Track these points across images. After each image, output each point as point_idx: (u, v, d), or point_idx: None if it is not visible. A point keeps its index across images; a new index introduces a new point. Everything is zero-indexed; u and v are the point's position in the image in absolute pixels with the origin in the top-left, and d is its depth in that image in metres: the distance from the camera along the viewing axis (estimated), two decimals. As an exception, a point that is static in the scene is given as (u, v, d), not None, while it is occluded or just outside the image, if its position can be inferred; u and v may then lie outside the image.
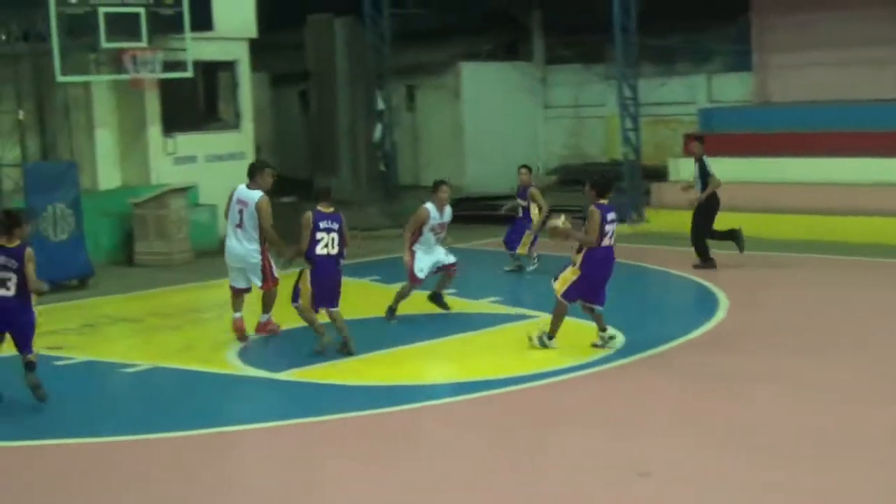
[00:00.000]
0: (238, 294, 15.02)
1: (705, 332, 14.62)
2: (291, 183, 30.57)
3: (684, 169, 24.20)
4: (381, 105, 28.17)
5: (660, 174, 25.68)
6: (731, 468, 9.46)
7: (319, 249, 13.78)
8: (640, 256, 19.95)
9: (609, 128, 28.96)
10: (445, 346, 14.55)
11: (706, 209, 19.19)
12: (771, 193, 22.93)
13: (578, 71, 29.54)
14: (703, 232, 19.30)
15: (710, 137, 24.66)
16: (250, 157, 24.55)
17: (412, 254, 15.83)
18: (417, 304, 16.19)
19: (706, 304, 16.41)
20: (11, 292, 11.98)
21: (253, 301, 15.12)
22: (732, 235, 19.24)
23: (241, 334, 14.89)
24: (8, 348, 13.37)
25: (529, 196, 19.62)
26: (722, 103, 27.48)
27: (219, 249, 17.38)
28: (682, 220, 20.64)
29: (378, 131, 28.23)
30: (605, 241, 13.50)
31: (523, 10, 29.13)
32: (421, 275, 15.87)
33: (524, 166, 20.11)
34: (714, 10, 26.13)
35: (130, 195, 22.40)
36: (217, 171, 23.01)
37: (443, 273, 16.18)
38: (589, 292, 13.62)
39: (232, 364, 13.80)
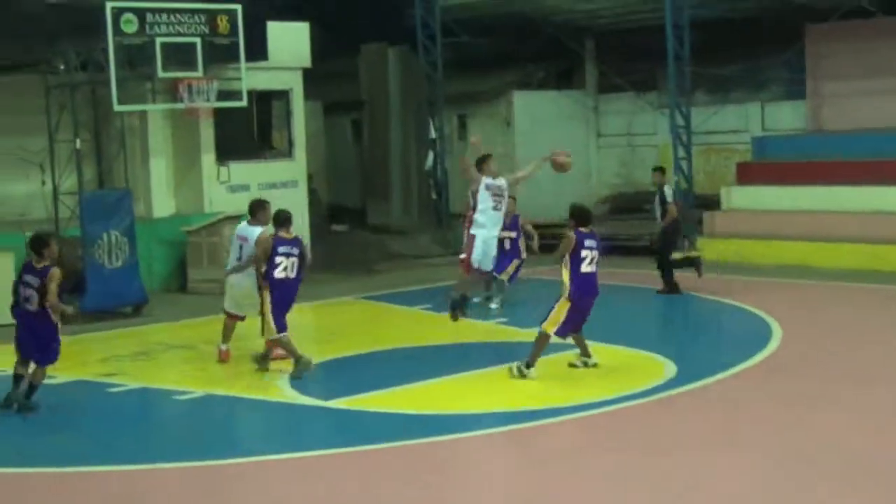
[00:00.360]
0: (233, 320, 15.41)
1: (759, 362, 14.52)
2: (343, 211, 30.78)
3: (737, 197, 24.17)
4: (433, 133, 28.25)
5: (712, 203, 25.57)
6: (798, 498, 9.37)
7: (278, 273, 14.30)
8: (691, 286, 19.85)
9: (661, 156, 28.86)
10: (495, 375, 14.52)
11: (665, 237, 19.44)
12: (824, 222, 22.77)
13: (631, 99, 29.52)
14: (666, 259, 19.48)
15: (764, 166, 24.65)
16: (303, 186, 24.74)
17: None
18: (469, 332, 16.19)
19: (759, 333, 16.30)
20: (34, 308, 12.92)
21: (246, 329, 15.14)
22: (691, 262, 19.54)
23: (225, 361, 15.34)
24: (69, 373, 13.64)
25: (520, 227, 19.42)
26: (775, 131, 27.36)
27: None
28: (734, 249, 20.63)
29: (430, 159, 28.32)
30: (585, 267, 13.89)
31: (576, 38, 29.15)
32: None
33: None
34: (768, 38, 26.10)
35: (184, 223, 22.57)
36: (270, 198, 22.90)
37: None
38: (573, 324, 14.01)
39: (283, 392, 13.84)
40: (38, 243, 13.21)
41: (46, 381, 13.52)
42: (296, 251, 14.41)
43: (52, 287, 12.79)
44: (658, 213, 19.97)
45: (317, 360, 15.66)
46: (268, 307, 14.38)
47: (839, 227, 22.55)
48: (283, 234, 14.50)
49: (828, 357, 14.81)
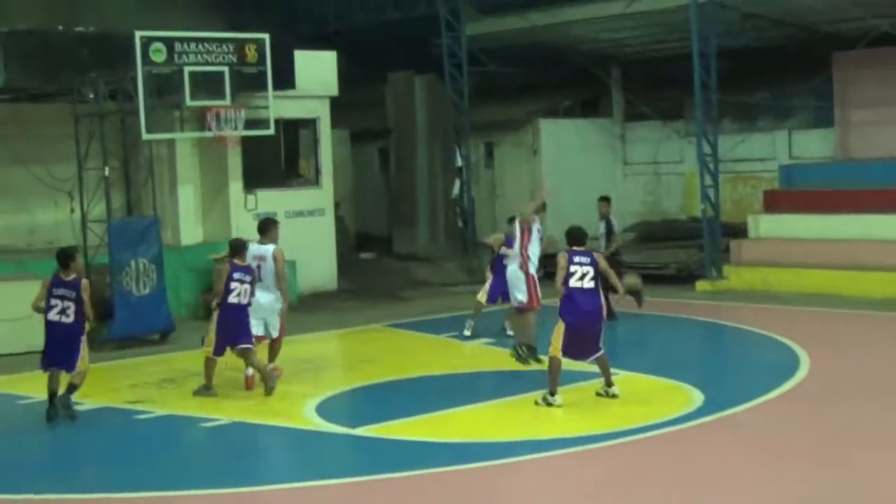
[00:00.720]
0: (256, 342, 15.52)
1: (787, 391, 14.44)
2: (370, 239, 30.84)
3: (764, 226, 24.11)
4: (459, 161, 28.32)
5: (739, 231, 25.52)
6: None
7: (231, 298, 14.89)
8: (718, 314, 19.80)
9: (688, 184, 28.87)
10: (522, 403, 14.49)
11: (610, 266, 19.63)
12: (852, 250, 22.67)
13: (657, 128, 29.52)
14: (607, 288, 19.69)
15: (791, 194, 24.58)
16: (330, 214, 24.82)
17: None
18: (496, 360, 16.17)
19: (787, 362, 16.21)
20: (71, 319, 13.87)
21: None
22: (632, 293, 19.53)
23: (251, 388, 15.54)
24: (96, 399, 13.73)
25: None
26: (802, 159, 27.30)
27: (298, 305, 17.58)
28: (761, 277, 20.57)
29: (456, 187, 28.36)
30: (574, 282, 13.83)
31: (602, 67, 29.19)
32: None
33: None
34: (795, 66, 26.08)
35: (211, 250, 22.64)
36: (297, 226, 23.23)
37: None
38: (576, 346, 13.86)
39: (310, 419, 13.86)
40: (64, 257, 14.16)
41: (77, 408, 14.07)
42: (248, 278, 14.97)
43: (87, 297, 13.84)
44: (603, 243, 20.11)
45: (344, 388, 15.76)
46: (214, 327, 15.01)
47: (867, 255, 22.46)
48: (237, 261, 15.12)
49: (856, 387, 14.71)
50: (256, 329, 15.45)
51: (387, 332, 20.61)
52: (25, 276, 19.23)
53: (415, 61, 30.12)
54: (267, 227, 15.81)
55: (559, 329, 13.83)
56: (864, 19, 23.38)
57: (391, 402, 14.82)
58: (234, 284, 14.88)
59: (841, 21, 24.62)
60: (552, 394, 13.83)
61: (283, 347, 16.15)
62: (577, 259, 14.00)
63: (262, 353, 15.49)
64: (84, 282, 14.05)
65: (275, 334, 15.68)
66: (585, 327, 13.86)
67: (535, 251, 16.63)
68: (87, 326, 14.12)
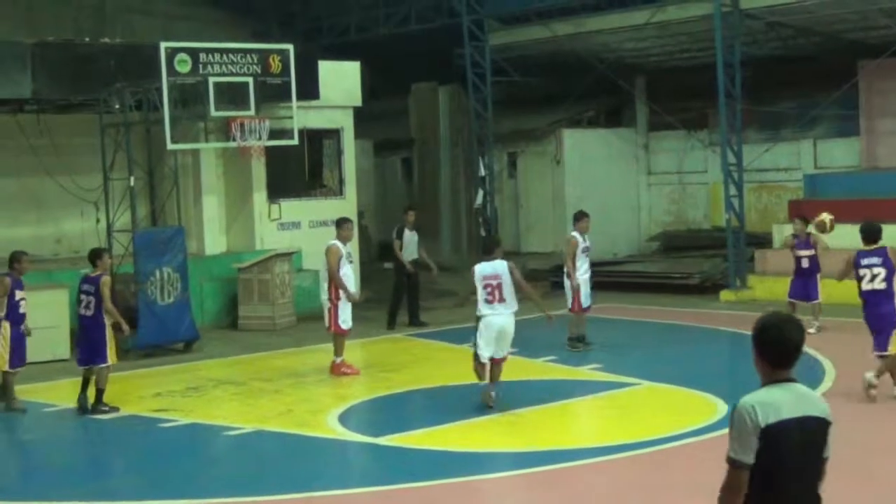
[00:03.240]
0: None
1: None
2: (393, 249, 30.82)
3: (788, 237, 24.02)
4: (482, 171, 28.32)
5: (764, 241, 25.46)
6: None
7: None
8: (742, 324, 19.72)
9: (712, 194, 28.82)
10: (546, 413, 14.49)
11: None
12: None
13: (681, 137, 29.47)
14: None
15: (817, 203, 24.45)
16: (353, 223, 24.84)
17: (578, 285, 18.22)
18: (520, 370, 16.17)
19: (811, 371, 16.14)
20: (91, 312, 14.74)
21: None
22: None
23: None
24: (125, 407, 13.88)
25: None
26: (828, 169, 27.21)
27: (321, 314, 17.63)
28: (786, 287, 20.41)
29: (479, 197, 28.38)
30: (865, 285, 14.19)
31: (626, 76, 29.18)
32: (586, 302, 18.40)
33: None
34: (820, 75, 25.99)
35: (235, 260, 22.74)
36: (321, 236, 23.21)
37: None
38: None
39: (332, 428, 13.88)
40: (93, 255, 15.19)
41: (102, 416, 14.38)
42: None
43: (105, 292, 14.57)
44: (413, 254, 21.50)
45: (366, 397, 15.76)
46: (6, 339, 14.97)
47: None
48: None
49: (881, 399, 14.61)
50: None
51: (409, 341, 20.63)
52: (52, 285, 19.37)
53: (438, 72, 30.18)
54: (339, 225, 17.03)
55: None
56: (891, 28, 23.31)
57: (413, 411, 14.87)
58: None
59: (867, 29, 24.56)
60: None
61: (309, 357, 16.32)
62: (864, 262, 13.91)
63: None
64: (105, 278, 14.75)
65: (325, 324, 16.96)
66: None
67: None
68: (107, 321, 14.74)
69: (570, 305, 18.40)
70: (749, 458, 5.60)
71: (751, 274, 24.57)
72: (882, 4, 22.60)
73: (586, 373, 16.68)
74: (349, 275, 16.89)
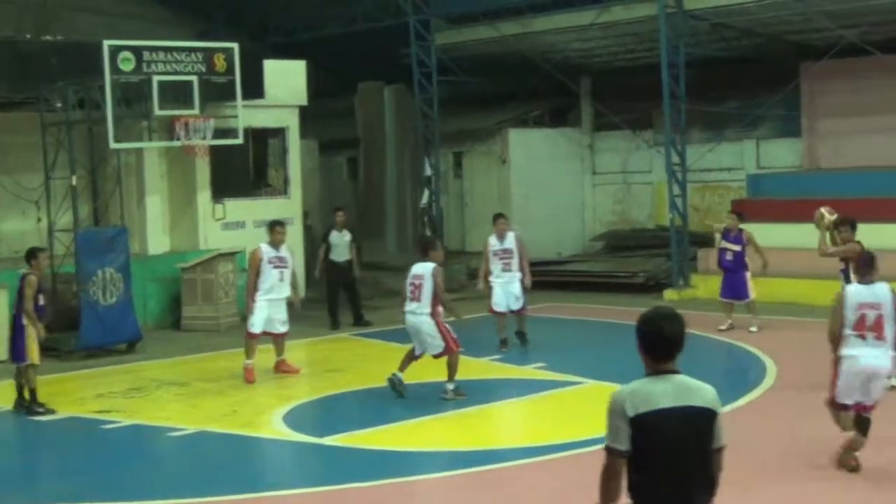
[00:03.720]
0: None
1: (755, 399, 14.50)
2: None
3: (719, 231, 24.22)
4: (428, 171, 28.31)
5: (707, 240, 25.61)
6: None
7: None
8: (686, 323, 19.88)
9: (657, 194, 28.98)
10: (491, 412, 14.52)
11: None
12: (820, 260, 22.70)
13: (626, 137, 29.61)
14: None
15: (759, 203, 24.70)
16: (298, 223, 24.75)
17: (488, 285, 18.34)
18: (465, 369, 16.18)
19: (754, 370, 16.30)
20: (15, 311, 14.89)
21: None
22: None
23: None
24: (63, 409, 13.73)
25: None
26: (770, 169, 27.43)
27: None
28: (730, 287, 20.58)
29: (425, 197, 28.37)
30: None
31: (572, 77, 29.27)
32: (497, 308, 18.27)
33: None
34: (763, 76, 26.21)
35: (179, 260, 22.60)
36: (265, 236, 23.12)
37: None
38: None
39: (277, 429, 13.83)
40: (28, 255, 15.11)
41: (41, 418, 14.36)
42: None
43: (27, 292, 14.51)
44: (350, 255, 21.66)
45: (311, 397, 15.79)
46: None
47: (835, 264, 22.50)
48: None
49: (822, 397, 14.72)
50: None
51: (354, 341, 20.60)
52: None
53: (384, 71, 30.14)
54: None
55: None
56: (832, 30, 23.52)
57: (358, 411, 14.84)
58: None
59: (809, 31, 24.78)
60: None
61: (255, 355, 16.40)
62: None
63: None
64: (29, 277, 14.65)
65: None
66: None
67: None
68: (25, 321, 14.55)
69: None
70: (622, 446, 5.88)
71: (694, 273, 24.75)
72: (824, 7, 22.80)
73: (531, 372, 16.71)
74: (276, 277, 16.74)
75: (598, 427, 12.64)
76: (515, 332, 18.50)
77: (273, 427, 13.90)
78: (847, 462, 11.02)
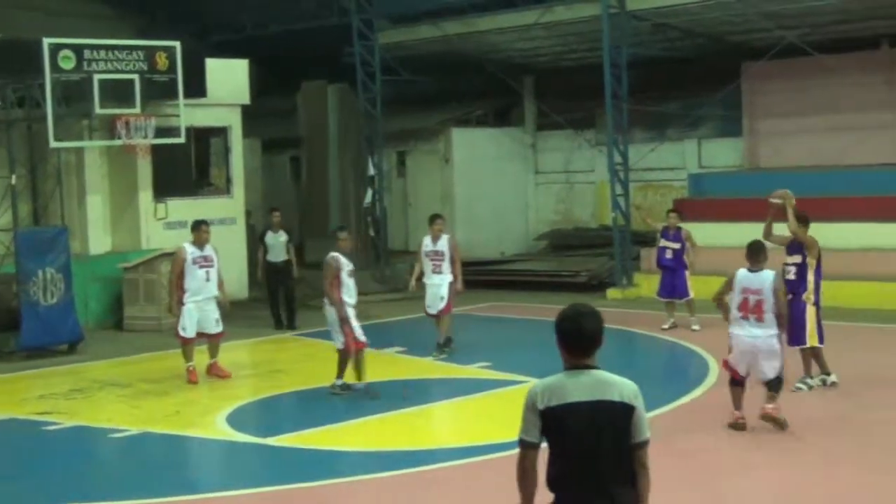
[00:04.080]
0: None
1: (697, 398, 14.58)
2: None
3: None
4: (372, 170, 28.27)
5: (650, 240, 25.74)
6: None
7: None
8: (628, 321, 19.95)
9: (599, 193, 29.11)
10: (435, 411, 14.53)
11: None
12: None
13: (569, 137, 29.72)
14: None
15: (700, 202, 24.87)
16: (241, 223, 24.64)
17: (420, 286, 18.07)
18: (408, 368, 16.19)
19: (697, 369, 16.39)
20: None
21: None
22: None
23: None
24: (2, 411, 13.54)
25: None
26: (712, 168, 27.63)
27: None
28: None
29: (369, 196, 28.33)
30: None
31: (515, 76, 29.35)
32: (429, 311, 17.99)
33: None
34: (705, 76, 26.38)
35: (120, 260, 22.42)
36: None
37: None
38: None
39: (221, 429, 13.76)
40: None
41: None
42: None
43: None
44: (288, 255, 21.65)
45: (254, 397, 15.73)
46: None
47: (774, 262, 22.70)
48: None
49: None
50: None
51: (298, 341, 20.53)
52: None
53: (327, 70, 30.06)
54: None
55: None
56: (772, 30, 23.74)
57: (302, 411, 14.79)
58: None
59: (750, 32, 25.00)
60: None
61: (196, 358, 16.25)
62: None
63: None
64: None
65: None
66: None
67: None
68: None
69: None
70: (533, 438, 6.08)
71: (637, 272, 24.87)
72: (765, 8, 23.01)
73: (474, 371, 16.73)
74: (202, 277, 16.53)
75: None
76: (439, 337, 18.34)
77: (217, 428, 13.83)
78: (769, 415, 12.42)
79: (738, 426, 12.45)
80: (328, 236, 30.21)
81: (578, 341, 6.06)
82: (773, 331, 12.36)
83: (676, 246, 19.84)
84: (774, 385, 12.39)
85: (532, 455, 6.08)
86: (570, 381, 6.03)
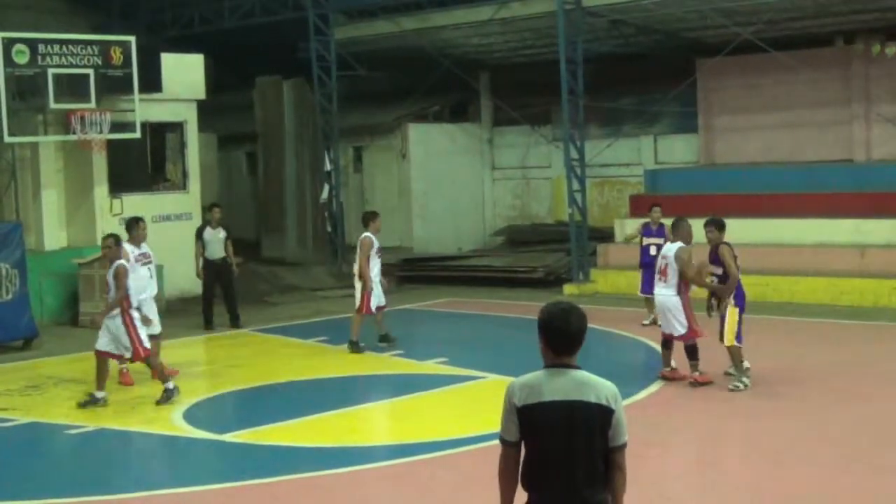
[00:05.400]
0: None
1: (652, 393, 14.67)
2: (237, 243, 30.54)
3: (630, 230, 24.48)
4: (328, 166, 28.24)
5: (606, 235, 25.87)
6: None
7: None
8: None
9: (556, 189, 29.20)
10: (392, 407, 14.55)
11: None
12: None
13: (525, 132, 29.80)
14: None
15: (657, 198, 25.00)
16: (197, 218, 24.51)
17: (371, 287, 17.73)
18: (366, 364, 16.19)
19: (651, 364, 16.46)
20: None
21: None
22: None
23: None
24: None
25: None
26: (668, 164, 27.78)
27: (166, 309, 17.35)
28: (627, 280, 20.81)
29: (325, 192, 28.30)
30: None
31: (471, 72, 29.39)
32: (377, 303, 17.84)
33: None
34: (661, 72, 26.53)
35: (76, 255, 22.29)
36: (164, 231, 22.97)
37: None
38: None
39: (177, 425, 13.72)
40: None
41: None
42: None
43: None
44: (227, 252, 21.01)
45: (211, 394, 15.68)
46: None
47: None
48: None
49: (717, 389, 14.98)
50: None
51: (254, 336, 20.47)
52: None
53: (283, 65, 29.99)
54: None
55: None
56: (727, 27, 23.89)
57: (258, 407, 14.75)
58: None
59: (705, 29, 25.15)
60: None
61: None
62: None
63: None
64: None
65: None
66: None
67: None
68: None
69: (357, 306, 17.79)
70: (511, 437, 6.01)
71: (593, 268, 24.96)
72: (719, 4, 23.15)
73: (432, 367, 16.74)
74: (145, 274, 16.22)
75: (498, 421, 12.73)
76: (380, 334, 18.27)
77: (173, 424, 13.78)
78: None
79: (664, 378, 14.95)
80: (283, 231, 30.38)
81: (565, 340, 5.98)
82: (673, 290, 14.95)
83: (661, 241, 19.78)
84: (690, 352, 14.78)
85: (512, 454, 6.01)
86: (549, 379, 5.96)
